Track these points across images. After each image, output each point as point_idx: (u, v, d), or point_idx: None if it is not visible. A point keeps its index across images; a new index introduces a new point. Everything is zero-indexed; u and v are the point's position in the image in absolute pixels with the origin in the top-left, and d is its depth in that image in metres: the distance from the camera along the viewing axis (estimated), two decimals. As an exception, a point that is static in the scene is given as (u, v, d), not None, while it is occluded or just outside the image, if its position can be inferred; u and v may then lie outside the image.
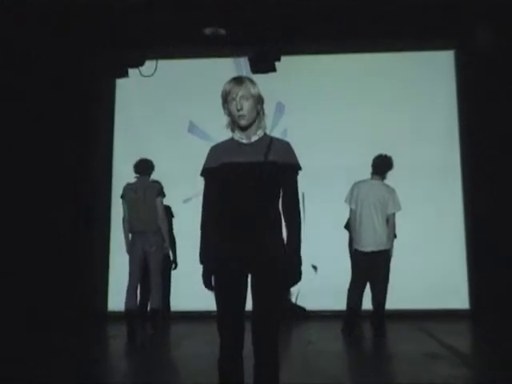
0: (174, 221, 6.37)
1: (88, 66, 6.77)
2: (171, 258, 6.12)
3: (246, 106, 2.40)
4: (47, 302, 6.24)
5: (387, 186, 5.34)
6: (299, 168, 2.49)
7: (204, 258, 2.44)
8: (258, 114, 2.47)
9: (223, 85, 2.46)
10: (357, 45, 6.90)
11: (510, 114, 6.29)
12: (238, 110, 2.40)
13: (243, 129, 2.46)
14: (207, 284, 2.42)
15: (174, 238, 6.24)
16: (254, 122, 2.47)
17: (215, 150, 2.51)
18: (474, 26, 6.02)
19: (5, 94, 6.30)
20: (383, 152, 5.36)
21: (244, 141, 2.48)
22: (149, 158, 5.62)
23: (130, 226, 5.43)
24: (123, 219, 5.50)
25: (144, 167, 5.52)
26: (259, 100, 2.47)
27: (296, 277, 2.40)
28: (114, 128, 7.22)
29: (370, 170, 5.40)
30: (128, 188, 5.47)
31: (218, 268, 2.40)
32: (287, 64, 6.50)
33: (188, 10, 6.04)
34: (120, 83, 7.08)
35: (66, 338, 5.52)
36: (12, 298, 6.15)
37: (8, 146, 6.44)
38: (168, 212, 5.92)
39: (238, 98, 2.40)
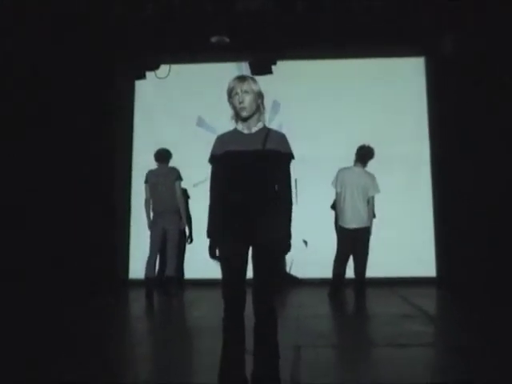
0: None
1: (112, 70, 6.72)
2: (187, 233, 6.07)
3: (247, 99, 2.38)
4: (82, 273, 6.24)
5: (368, 173, 5.31)
6: (292, 157, 2.45)
7: (210, 232, 2.43)
8: (258, 107, 2.44)
9: (228, 82, 2.43)
10: (341, 52, 6.82)
11: (473, 113, 6.26)
12: (240, 103, 2.37)
13: (245, 120, 2.43)
14: (213, 255, 2.40)
15: (190, 216, 6.12)
16: (254, 114, 2.43)
17: (220, 140, 2.46)
18: (440, 36, 6.01)
19: (38, 91, 6.24)
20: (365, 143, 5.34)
21: (245, 131, 2.44)
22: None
23: (152, 206, 5.43)
24: (145, 200, 5.49)
25: (163, 156, 5.52)
26: (259, 95, 2.43)
27: (285, 247, 2.38)
28: (133, 123, 7.17)
29: (353, 158, 5.37)
30: (150, 174, 5.48)
31: (222, 241, 2.38)
32: (282, 67, 6.46)
33: (196, 21, 6.02)
34: (139, 84, 7.04)
35: (96, 301, 5.55)
36: (51, 269, 6.16)
37: (42, 141, 6.39)
38: (185, 194, 5.90)
39: (240, 93, 2.38)
